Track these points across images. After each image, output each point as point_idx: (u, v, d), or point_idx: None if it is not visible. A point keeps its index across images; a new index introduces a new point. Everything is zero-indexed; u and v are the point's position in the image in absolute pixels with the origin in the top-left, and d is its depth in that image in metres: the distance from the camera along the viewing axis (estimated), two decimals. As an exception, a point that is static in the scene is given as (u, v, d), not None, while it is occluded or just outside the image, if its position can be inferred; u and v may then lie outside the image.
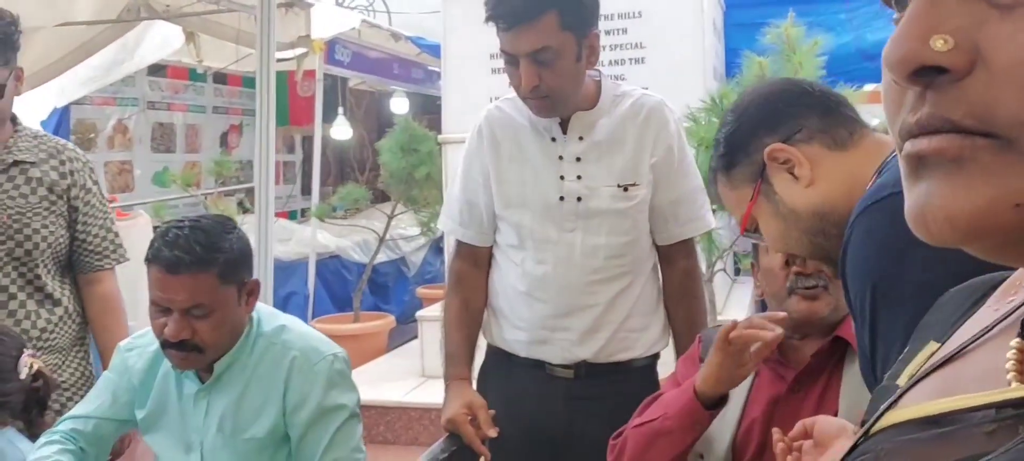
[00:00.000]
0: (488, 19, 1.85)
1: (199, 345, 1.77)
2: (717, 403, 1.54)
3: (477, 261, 2.12)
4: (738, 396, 1.62)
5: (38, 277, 2.20)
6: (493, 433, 1.91)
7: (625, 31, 4.17)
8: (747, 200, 1.22)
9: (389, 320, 6.37)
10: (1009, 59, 0.41)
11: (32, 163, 2.21)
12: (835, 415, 1.37)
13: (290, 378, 1.83)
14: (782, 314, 1.52)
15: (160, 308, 1.76)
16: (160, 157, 8.04)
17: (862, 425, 0.56)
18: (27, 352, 1.98)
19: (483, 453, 1.92)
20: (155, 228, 3.13)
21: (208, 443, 1.86)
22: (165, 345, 1.78)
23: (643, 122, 1.97)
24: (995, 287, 0.56)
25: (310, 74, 6.94)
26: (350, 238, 7.42)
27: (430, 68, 8.63)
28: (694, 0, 4.26)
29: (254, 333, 1.88)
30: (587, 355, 1.98)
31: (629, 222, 1.97)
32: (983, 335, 0.51)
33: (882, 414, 0.53)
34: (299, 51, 5.99)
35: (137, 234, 4.19)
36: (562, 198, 1.96)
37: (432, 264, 8.41)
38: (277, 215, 5.44)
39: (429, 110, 9.20)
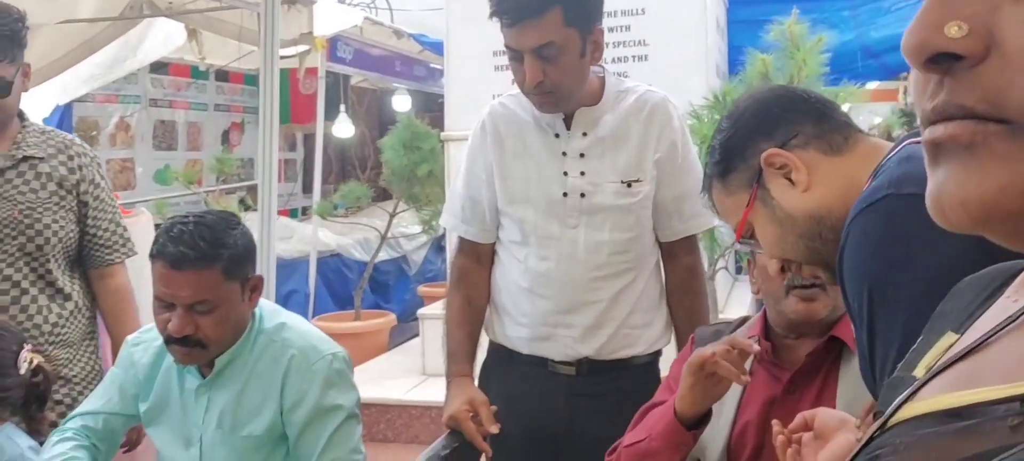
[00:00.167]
0: (492, 15, 1.85)
1: (202, 341, 1.77)
2: (699, 422, 1.54)
3: (479, 258, 2.11)
4: (731, 398, 1.61)
5: (49, 272, 2.20)
6: (495, 429, 1.91)
7: (628, 28, 4.17)
8: (743, 206, 1.22)
9: (390, 318, 6.37)
10: (1022, 44, 0.40)
11: (41, 158, 2.22)
12: None
13: (288, 376, 1.82)
14: (756, 347, 1.50)
15: (164, 303, 1.75)
16: (162, 155, 8.04)
17: (875, 417, 0.55)
18: (27, 347, 1.97)
19: (485, 449, 1.91)
20: (157, 225, 3.13)
21: (207, 439, 1.86)
22: (169, 341, 1.78)
23: (647, 118, 1.97)
24: (1014, 276, 0.55)
25: (312, 71, 6.93)
26: (351, 236, 7.41)
27: (432, 65, 8.64)
28: (697, -3, 4.25)
29: (256, 329, 1.87)
30: (589, 352, 1.97)
31: (632, 218, 1.96)
32: (1006, 326, 0.51)
33: (899, 406, 0.52)
34: (301, 48, 5.98)
35: (139, 231, 4.17)
36: (565, 194, 1.95)
37: (433, 263, 8.41)
38: (278, 213, 5.44)
39: (431, 108, 9.20)
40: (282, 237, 6.60)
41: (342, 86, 8.88)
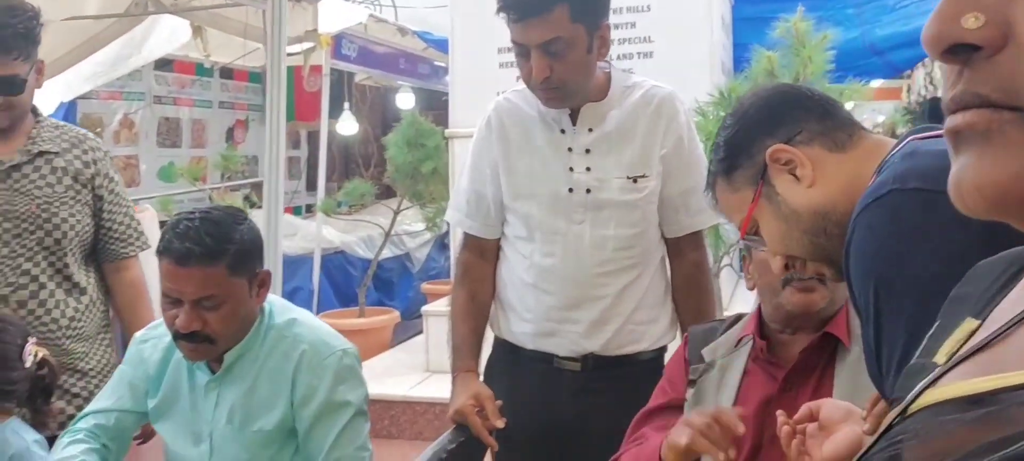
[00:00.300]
0: (499, 10, 1.85)
1: (210, 336, 1.76)
2: None
3: (484, 253, 2.11)
4: (725, 399, 1.62)
5: (66, 266, 2.21)
6: (500, 424, 1.91)
7: (633, 25, 4.17)
8: (748, 203, 1.23)
9: (394, 315, 6.38)
10: None
11: (56, 153, 2.23)
12: None
13: (299, 372, 1.82)
14: (741, 429, 1.49)
15: (171, 299, 1.75)
16: (166, 152, 8.05)
17: (893, 404, 0.55)
18: (31, 340, 1.98)
19: (491, 444, 1.91)
20: (161, 222, 3.13)
21: (218, 434, 1.85)
22: (176, 336, 1.78)
23: (653, 113, 1.96)
24: None
25: (317, 69, 6.94)
26: (355, 234, 7.42)
27: (436, 63, 8.64)
28: (703, -6, 4.25)
29: (265, 324, 1.87)
30: (594, 347, 1.97)
31: (638, 214, 1.96)
32: None
33: (920, 393, 0.52)
34: (306, 46, 5.99)
35: (144, 228, 4.19)
36: (571, 190, 1.95)
37: (436, 260, 8.41)
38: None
39: (434, 106, 9.21)
40: (286, 234, 6.59)
41: (346, 83, 8.89)
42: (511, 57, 4.38)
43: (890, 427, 0.53)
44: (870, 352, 1.03)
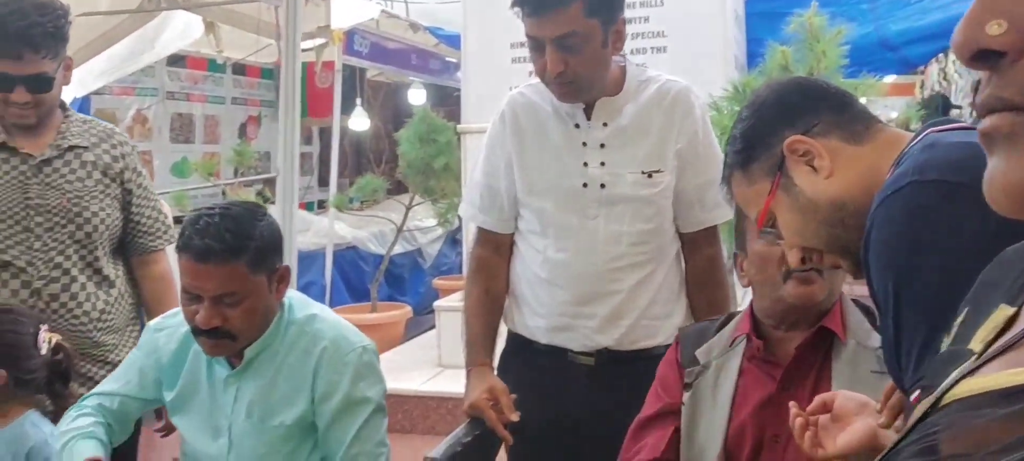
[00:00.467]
0: (513, 4, 1.84)
1: (231, 332, 1.77)
2: None
3: (498, 248, 2.11)
4: (723, 400, 1.61)
5: (97, 259, 2.23)
6: (515, 418, 1.91)
7: (647, 19, 4.16)
8: (765, 195, 1.23)
9: (406, 310, 6.39)
10: None
11: (85, 147, 2.24)
12: None
13: (319, 368, 1.83)
14: None
15: (191, 295, 1.75)
16: (179, 147, 8.08)
17: (924, 391, 0.55)
18: (44, 328, 1.99)
19: (505, 438, 1.91)
20: (177, 218, 3.15)
21: (237, 429, 1.86)
22: (196, 332, 1.78)
23: (668, 108, 1.96)
24: None
25: (329, 65, 6.95)
26: (367, 229, 7.44)
27: (447, 59, 8.65)
28: (716, -11, 4.24)
29: (285, 320, 1.87)
30: (609, 342, 1.97)
31: (653, 209, 1.96)
32: None
33: (954, 383, 0.52)
34: (318, 42, 6.00)
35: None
36: (585, 185, 1.95)
37: (447, 256, 8.43)
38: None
39: (445, 101, 9.22)
40: (299, 230, 6.61)
41: (358, 79, 8.90)
42: (523, 52, 4.38)
43: (924, 416, 0.53)
44: (889, 344, 1.02)
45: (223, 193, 6.53)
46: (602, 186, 1.94)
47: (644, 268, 1.97)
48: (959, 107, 6.75)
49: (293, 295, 1.94)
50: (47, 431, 1.93)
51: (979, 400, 0.49)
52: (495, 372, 2.07)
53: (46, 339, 1.98)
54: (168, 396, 1.94)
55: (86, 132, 2.27)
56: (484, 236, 2.13)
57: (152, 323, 2.03)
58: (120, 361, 2.24)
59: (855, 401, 1.29)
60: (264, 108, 9.05)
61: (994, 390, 0.48)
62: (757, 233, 1.59)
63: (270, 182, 7.09)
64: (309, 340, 1.85)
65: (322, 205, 8.40)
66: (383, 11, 7.05)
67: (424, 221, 7.27)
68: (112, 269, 2.28)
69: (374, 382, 1.88)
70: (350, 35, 6.86)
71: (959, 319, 0.60)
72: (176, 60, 7.53)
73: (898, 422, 1.20)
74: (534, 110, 2.02)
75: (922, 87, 8.76)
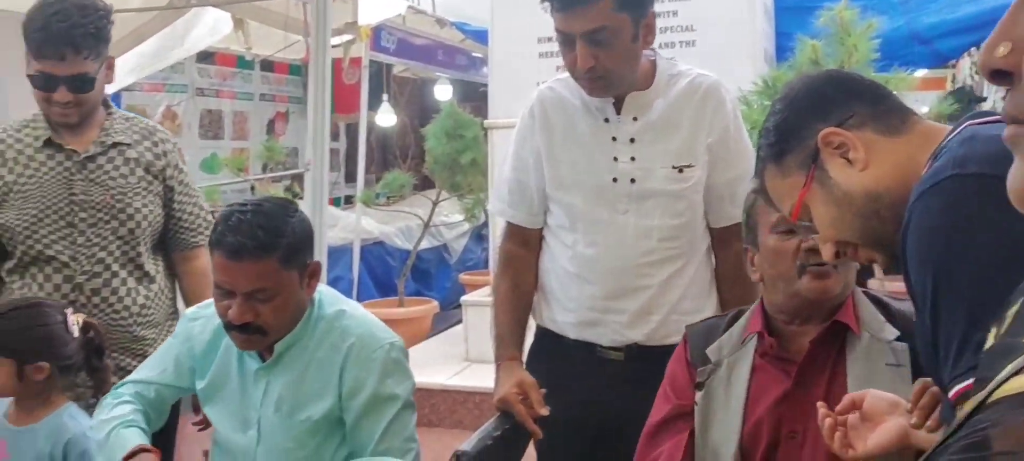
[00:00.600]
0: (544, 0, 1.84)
1: (262, 327, 1.78)
2: None
3: (527, 243, 2.11)
4: (737, 398, 1.59)
5: (139, 255, 2.26)
6: (545, 412, 1.91)
7: (675, 13, 4.14)
8: (799, 188, 1.22)
9: (433, 305, 6.41)
10: None
11: (128, 144, 2.27)
12: None
13: (347, 364, 1.84)
14: None
15: (223, 291, 1.77)
16: (208, 143, 8.15)
17: (977, 384, 0.55)
18: (69, 311, 2.02)
19: (535, 432, 1.91)
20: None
21: (266, 422, 1.87)
22: (228, 327, 1.79)
23: (699, 102, 1.95)
24: None
25: (356, 61, 6.98)
26: (393, 224, 7.48)
27: (474, 54, 8.65)
28: (745, -18, 4.21)
29: (315, 315, 1.88)
30: (638, 337, 1.96)
31: (684, 204, 1.95)
32: None
33: (1007, 378, 0.51)
34: (346, 38, 6.03)
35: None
36: (615, 179, 1.94)
37: (473, 251, 8.45)
38: (323, 201, 5.49)
39: (472, 97, 9.23)
40: (327, 225, 6.67)
41: (385, 75, 8.93)
42: (551, 47, 4.37)
43: (975, 411, 0.52)
44: (926, 338, 1.02)
45: (252, 189, 6.58)
46: (632, 181, 1.94)
47: (674, 263, 1.97)
48: (984, 100, 6.66)
49: (323, 290, 1.95)
50: (85, 424, 1.96)
51: None
52: (524, 366, 2.08)
53: (74, 322, 2.01)
54: (200, 385, 1.96)
55: (129, 129, 2.30)
56: (513, 231, 2.13)
57: (188, 312, 2.05)
58: None
59: (886, 400, 1.28)
60: (292, 104, 9.11)
61: None
62: (771, 228, 1.59)
63: (298, 177, 7.15)
64: (337, 336, 1.86)
65: (349, 200, 8.44)
66: (410, 7, 7.06)
67: (450, 216, 7.29)
68: (152, 265, 2.31)
69: (402, 379, 1.88)
70: (377, 31, 6.89)
71: (1013, 309, 0.60)
72: (205, 57, 7.59)
73: (930, 421, 1.19)
74: (563, 105, 2.02)
75: (953, 80, 8.65)
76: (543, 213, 2.08)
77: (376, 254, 7.45)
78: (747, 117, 2.90)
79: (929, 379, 1.23)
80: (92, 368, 2.06)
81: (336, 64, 7.12)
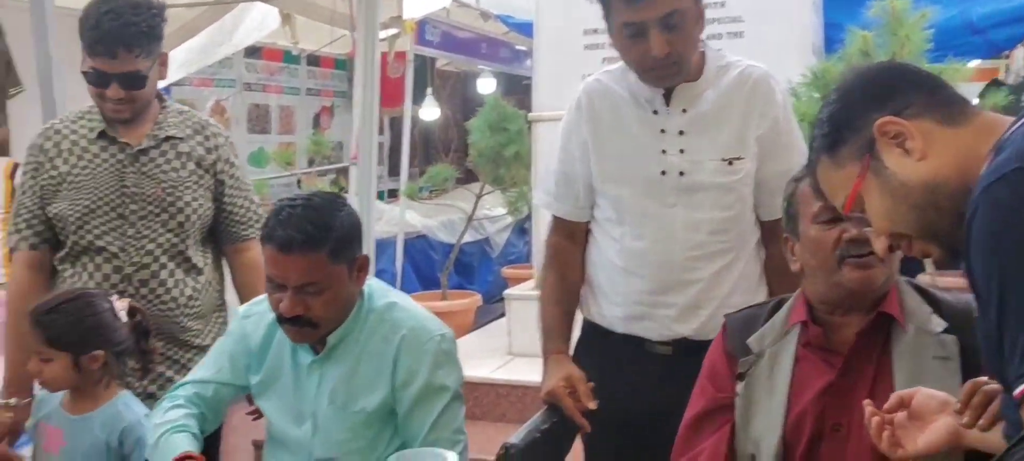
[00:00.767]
0: None
1: (313, 320, 1.81)
2: None
3: (573, 236, 2.11)
4: (780, 389, 1.57)
5: (187, 248, 2.29)
6: (593, 406, 1.90)
7: (723, 4, 4.10)
8: (853, 179, 1.20)
9: (476, 298, 6.43)
10: None
11: (181, 138, 2.30)
12: None
13: (400, 355, 1.85)
14: None
15: (275, 284, 1.80)
16: (256, 137, 8.26)
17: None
18: (114, 297, 2.06)
19: (583, 425, 1.91)
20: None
21: (321, 414, 1.89)
22: (280, 319, 1.82)
23: (749, 93, 1.93)
24: None
25: (401, 55, 7.02)
26: (436, 218, 7.52)
27: (517, 47, 8.66)
28: (793, -27, 4.16)
29: (365, 308, 1.90)
30: (687, 332, 1.95)
31: (733, 197, 1.93)
32: None
33: None
34: (391, 32, 6.07)
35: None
36: (664, 172, 1.93)
37: (516, 245, 8.46)
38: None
39: (515, 90, 9.23)
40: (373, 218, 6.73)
41: (429, 69, 8.97)
42: (597, 39, 4.36)
43: None
44: (990, 334, 1.00)
45: (298, 182, 6.66)
46: (681, 174, 1.92)
47: (724, 257, 1.95)
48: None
49: (372, 283, 1.97)
50: (139, 412, 2.00)
51: None
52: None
53: (122, 307, 2.05)
54: (253, 379, 1.98)
55: (182, 123, 2.32)
56: (559, 224, 2.12)
57: (240, 310, 2.08)
58: (206, 346, 2.30)
59: (936, 399, 1.25)
60: (337, 98, 9.19)
61: None
62: (812, 218, 1.56)
63: (344, 171, 7.22)
64: (389, 328, 1.88)
65: (393, 194, 8.50)
66: (454, 0, 7.09)
67: (492, 210, 7.31)
68: (201, 257, 2.34)
69: (452, 370, 1.90)
70: (421, 25, 6.92)
71: None
72: (253, 52, 7.69)
73: (982, 420, 1.17)
74: (610, 96, 2.00)
75: (1007, 71, 8.46)
76: (590, 206, 2.07)
77: (419, 247, 7.49)
78: (796, 109, 2.87)
79: (980, 379, 1.21)
80: (141, 350, 2.10)
81: (381, 58, 7.18)
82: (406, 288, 6.87)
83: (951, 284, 2.30)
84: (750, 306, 1.78)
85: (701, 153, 1.92)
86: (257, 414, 2.19)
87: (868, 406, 1.26)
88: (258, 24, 5.72)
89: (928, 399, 1.26)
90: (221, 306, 2.44)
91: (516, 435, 1.83)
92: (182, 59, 5.68)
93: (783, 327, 1.62)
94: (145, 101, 2.25)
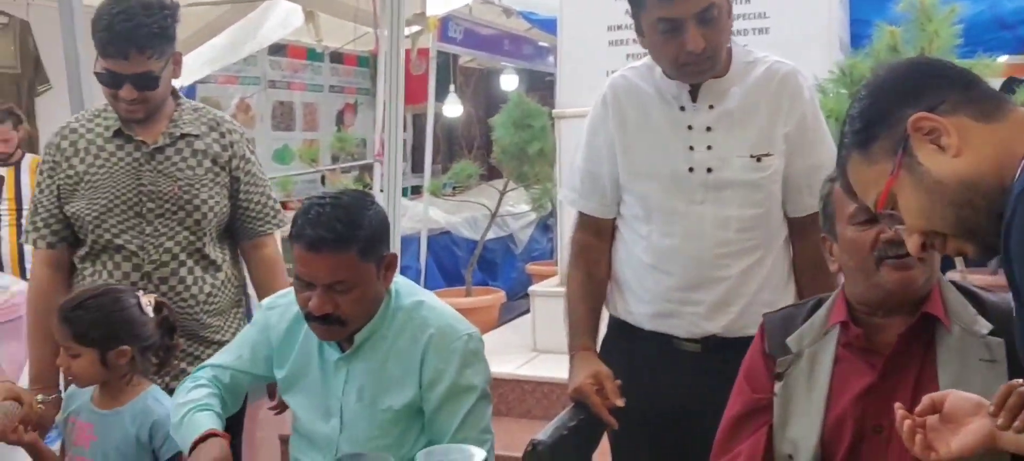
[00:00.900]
0: None
1: (341, 318, 1.82)
2: None
3: (599, 232, 2.10)
4: (819, 390, 1.55)
5: (204, 245, 2.30)
6: (620, 403, 1.90)
7: (748, 0, 4.07)
8: (886, 176, 1.18)
9: (500, 295, 6.43)
10: None
11: (196, 136, 2.31)
12: None
13: (427, 354, 1.86)
14: None
15: (304, 282, 1.81)
16: (280, 135, 8.31)
17: None
18: (140, 293, 2.07)
19: (610, 423, 1.91)
20: (281, 204, 3.22)
21: (348, 411, 1.90)
22: (309, 317, 1.83)
23: (776, 90, 1.92)
24: None
25: (424, 52, 7.03)
26: (459, 214, 7.52)
27: (540, 44, 8.65)
28: (819, -32, 4.12)
29: (392, 306, 1.91)
30: (716, 329, 1.94)
31: (762, 194, 1.92)
32: None
33: None
34: (414, 29, 6.08)
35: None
36: (691, 169, 1.92)
37: (539, 241, 8.46)
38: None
39: (537, 86, 9.23)
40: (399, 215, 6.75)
41: (451, 66, 8.99)
42: (621, 35, 4.34)
43: None
44: None
45: (322, 179, 6.69)
46: (709, 170, 1.91)
47: (753, 254, 1.94)
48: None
49: (400, 281, 1.97)
50: (168, 406, 2.01)
51: None
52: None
53: (148, 302, 2.07)
54: (279, 374, 1.99)
55: (197, 120, 2.33)
56: (585, 221, 2.12)
57: (265, 301, 2.09)
58: (225, 341, 2.32)
59: (969, 401, 1.24)
60: (359, 96, 9.23)
61: None
62: (849, 219, 1.54)
63: (367, 168, 7.25)
64: (416, 327, 1.89)
65: (416, 191, 8.53)
66: (476, -4, 7.10)
67: (516, 206, 7.31)
68: (219, 254, 2.35)
69: (479, 370, 1.90)
70: (444, 22, 6.93)
71: None
72: (277, 49, 7.74)
73: (1017, 422, 1.16)
74: (637, 93, 2.00)
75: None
76: (616, 203, 2.06)
77: (443, 244, 7.50)
78: (823, 105, 2.85)
79: (1016, 381, 1.19)
80: (166, 346, 2.11)
81: (404, 55, 7.20)
82: (430, 285, 6.88)
83: (981, 282, 2.27)
84: (789, 305, 1.77)
85: (729, 150, 1.91)
86: (279, 408, 2.20)
87: (899, 409, 1.24)
88: (282, 22, 5.75)
89: (961, 401, 1.24)
90: (239, 302, 2.45)
91: (543, 432, 1.83)
92: (207, 57, 5.73)
93: (822, 327, 1.61)
94: (159, 101, 2.25)
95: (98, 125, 2.30)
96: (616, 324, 2.11)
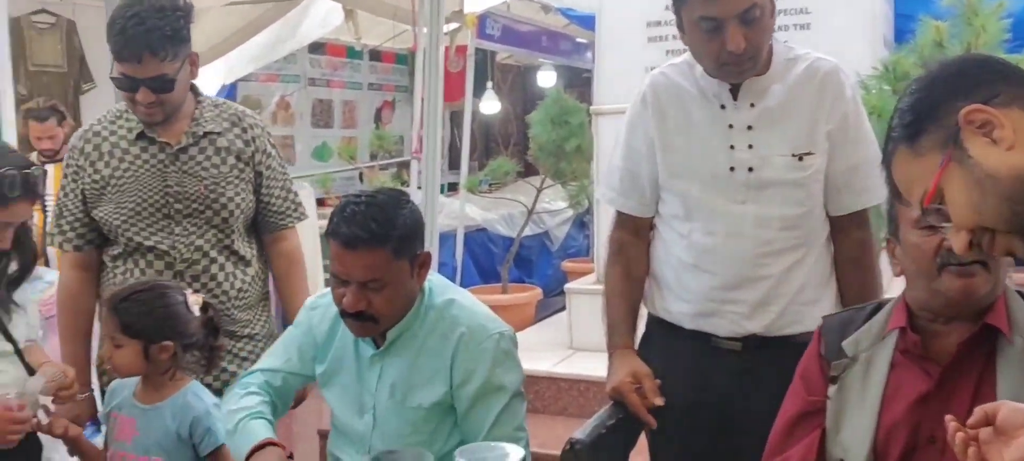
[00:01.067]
0: None
1: (375, 315, 1.83)
2: None
3: (637, 231, 2.09)
4: (873, 396, 1.53)
5: (233, 241, 2.33)
6: (660, 402, 1.89)
7: (790, -6, 4.02)
8: (934, 170, 1.14)
9: (536, 292, 6.43)
10: None
11: (219, 133, 2.32)
12: None
13: (457, 353, 1.87)
14: None
15: (339, 279, 1.83)
16: (319, 132, 8.38)
17: None
18: (188, 292, 2.10)
19: (649, 422, 1.90)
20: (318, 200, 3.25)
21: (380, 407, 1.92)
22: (343, 314, 1.86)
23: (818, 88, 1.89)
24: None
25: (462, 49, 7.05)
26: (496, 211, 7.53)
27: (578, 40, 8.62)
28: (862, -38, 4.05)
29: (425, 304, 1.92)
30: (757, 328, 1.92)
31: (803, 193, 1.90)
32: None
33: None
34: (452, 26, 6.10)
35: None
36: (732, 168, 1.90)
37: (575, 238, 8.45)
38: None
39: (576, 83, 9.21)
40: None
41: (489, 63, 8.99)
42: (660, 31, 4.30)
43: None
44: None
45: (360, 176, 6.73)
46: (750, 170, 1.89)
47: (795, 253, 1.91)
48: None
49: (433, 279, 1.98)
50: (208, 402, 2.03)
51: None
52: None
53: (196, 302, 2.09)
54: (318, 369, 2.02)
55: (218, 117, 2.35)
56: (623, 219, 2.11)
57: (308, 301, 2.12)
58: (255, 334, 2.35)
59: (1022, 413, 1.21)
60: (397, 93, 9.28)
61: None
62: (913, 223, 1.51)
63: (404, 165, 7.28)
64: (447, 325, 1.89)
65: (453, 187, 8.55)
66: (514, -7, 7.09)
67: (552, 203, 7.30)
68: (247, 249, 2.37)
69: (511, 368, 1.90)
70: (482, 18, 6.93)
71: None
72: (317, 47, 7.80)
73: None
74: (677, 91, 1.98)
75: (1086, 62, 8.16)
76: (655, 202, 2.05)
77: (479, 241, 7.51)
78: (866, 102, 2.80)
79: None
80: (210, 347, 2.14)
81: (443, 52, 7.22)
82: (466, 282, 6.90)
83: (1029, 282, 2.22)
84: (848, 309, 1.75)
85: (770, 148, 1.88)
86: (293, 402, 2.22)
87: (951, 421, 1.21)
88: (321, 20, 5.78)
89: (1014, 413, 1.21)
90: (266, 295, 2.47)
91: (582, 430, 1.83)
92: (249, 55, 5.78)
93: (880, 332, 1.58)
94: (176, 103, 2.25)
95: (121, 128, 2.31)
96: (655, 322, 2.09)
